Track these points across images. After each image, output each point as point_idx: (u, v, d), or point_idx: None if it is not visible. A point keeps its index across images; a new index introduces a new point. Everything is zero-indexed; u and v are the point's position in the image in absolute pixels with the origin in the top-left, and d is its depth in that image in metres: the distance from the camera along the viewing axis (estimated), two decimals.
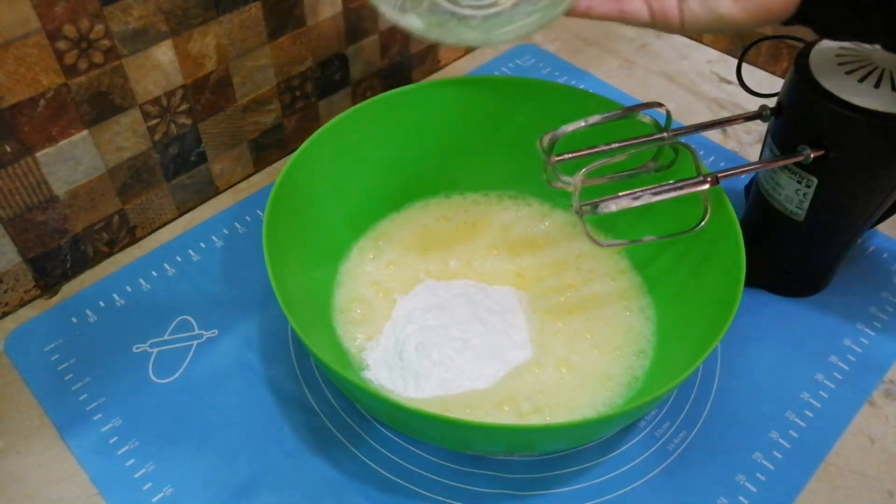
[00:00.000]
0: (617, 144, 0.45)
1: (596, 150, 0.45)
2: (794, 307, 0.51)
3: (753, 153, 0.64)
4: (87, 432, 0.44)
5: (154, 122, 0.51)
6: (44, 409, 0.45)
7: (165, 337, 0.49)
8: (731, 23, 0.39)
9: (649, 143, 0.45)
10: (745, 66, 0.50)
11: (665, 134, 0.45)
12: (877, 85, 0.41)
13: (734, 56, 0.73)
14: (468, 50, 0.74)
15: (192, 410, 0.45)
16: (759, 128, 0.66)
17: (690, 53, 0.73)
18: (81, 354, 0.47)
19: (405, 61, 0.67)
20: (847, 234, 0.48)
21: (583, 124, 0.43)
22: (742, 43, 0.47)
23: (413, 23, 0.43)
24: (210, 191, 0.58)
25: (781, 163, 0.44)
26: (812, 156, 0.43)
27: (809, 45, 0.44)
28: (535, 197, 0.56)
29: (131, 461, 0.43)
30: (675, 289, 0.49)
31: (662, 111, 0.44)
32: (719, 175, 0.43)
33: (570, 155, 0.45)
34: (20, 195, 0.46)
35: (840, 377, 0.48)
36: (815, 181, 0.44)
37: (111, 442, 0.43)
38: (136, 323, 0.49)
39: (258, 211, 0.57)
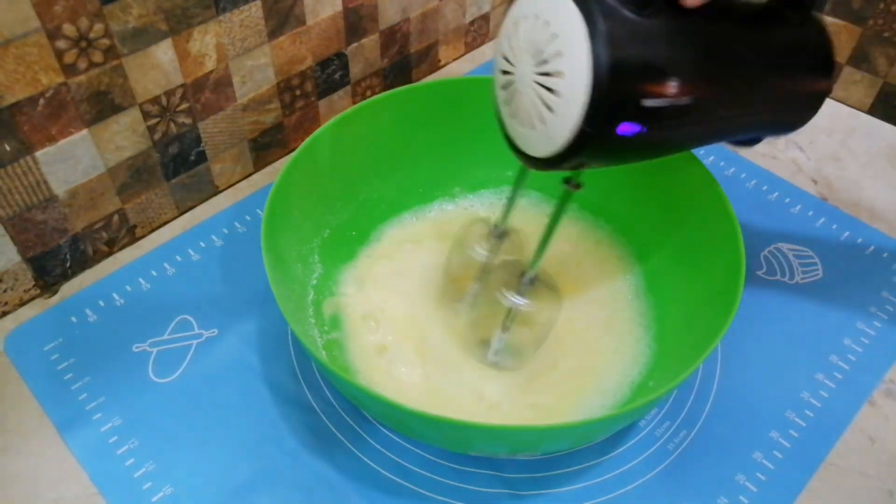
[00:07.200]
0: None
1: None
2: (795, 307, 0.51)
3: (753, 152, 0.64)
4: (87, 432, 0.44)
5: (154, 121, 0.51)
6: (43, 408, 0.45)
7: (165, 336, 0.49)
8: None
9: None
10: None
11: None
12: None
13: None
14: (468, 50, 0.74)
15: (192, 410, 0.45)
16: None
17: None
18: (81, 354, 0.47)
19: (405, 61, 0.67)
20: None
21: None
22: None
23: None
24: (210, 190, 0.58)
25: None
26: None
27: None
28: (535, 191, 0.56)
29: (131, 461, 0.43)
30: (675, 286, 0.49)
31: None
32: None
33: None
34: (20, 194, 0.46)
35: (840, 377, 0.47)
36: None
37: (111, 441, 0.43)
38: (136, 322, 0.49)
39: (258, 210, 0.57)
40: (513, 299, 0.43)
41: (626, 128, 0.33)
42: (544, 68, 0.33)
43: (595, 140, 0.33)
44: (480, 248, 0.46)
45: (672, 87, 0.33)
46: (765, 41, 0.38)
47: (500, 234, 0.46)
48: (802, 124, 0.42)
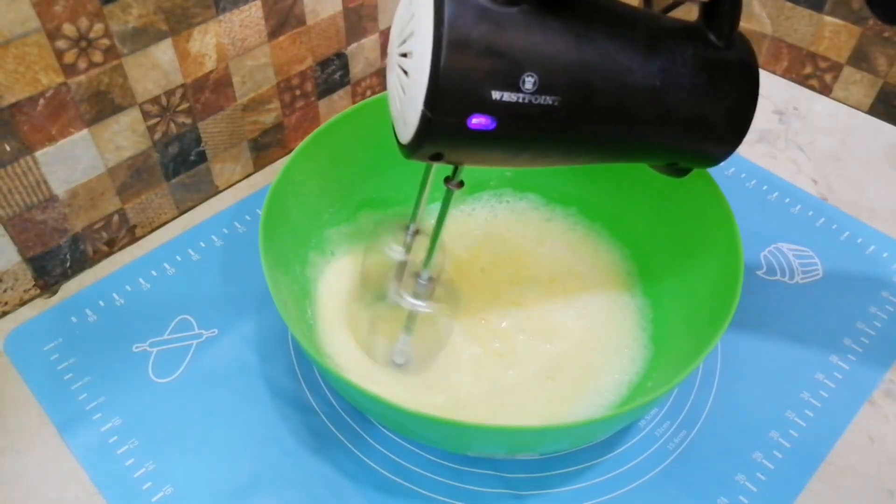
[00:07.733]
0: None
1: None
2: (795, 307, 0.51)
3: (754, 152, 0.64)
4: (87, 432, 0.44)
5: (154, 121, 0.51)
6: (43, 408, 0.45)
7: (165, 336, 0.49)
8: None
9: None
10: None
11: None
12: None
13: None
14: None
15: (192, 410, 0.45)
16: (759, 126, 0.66)
17: None
18: (81, 354, 0.47)
19: None
20: None
21: None
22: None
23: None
24: (210, 190, 0.58)
25: None
26: None
27: None
28: (534, 193, 0.56)
29: (131, 461, 0.43)
30: (674, 287, 0.49)
31: None
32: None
33: None
34: (20, 194, 0.46)
35: (840, 377, 0.47)
36: None
37: (111, 441, 0.43)
38: (136, 322, 0.49)
39: (258, 210, 0.57)
40: (409, 300, 0.41)
41: (480, 121, 0.31)
42: (402, 49, 0.32)
43: (443, 128, 0.31)
44: (396, 247, 0.45)
45: (527, 81, 0.31)
46: (671, 58, 0.35)
47: (413, 232, 0.45)
48: (723, 156, 0.39)
